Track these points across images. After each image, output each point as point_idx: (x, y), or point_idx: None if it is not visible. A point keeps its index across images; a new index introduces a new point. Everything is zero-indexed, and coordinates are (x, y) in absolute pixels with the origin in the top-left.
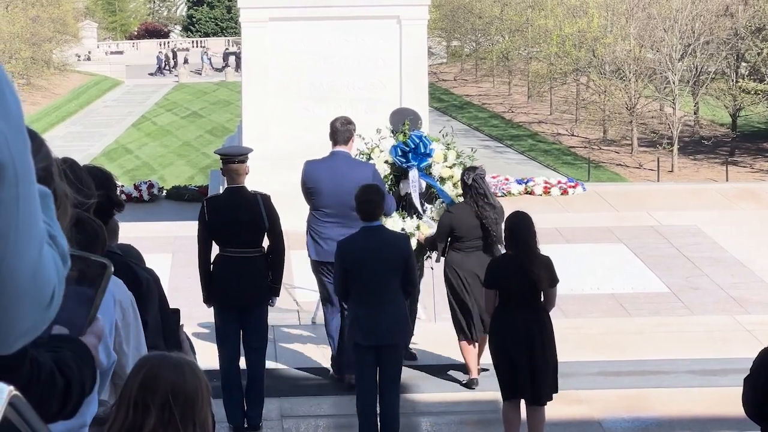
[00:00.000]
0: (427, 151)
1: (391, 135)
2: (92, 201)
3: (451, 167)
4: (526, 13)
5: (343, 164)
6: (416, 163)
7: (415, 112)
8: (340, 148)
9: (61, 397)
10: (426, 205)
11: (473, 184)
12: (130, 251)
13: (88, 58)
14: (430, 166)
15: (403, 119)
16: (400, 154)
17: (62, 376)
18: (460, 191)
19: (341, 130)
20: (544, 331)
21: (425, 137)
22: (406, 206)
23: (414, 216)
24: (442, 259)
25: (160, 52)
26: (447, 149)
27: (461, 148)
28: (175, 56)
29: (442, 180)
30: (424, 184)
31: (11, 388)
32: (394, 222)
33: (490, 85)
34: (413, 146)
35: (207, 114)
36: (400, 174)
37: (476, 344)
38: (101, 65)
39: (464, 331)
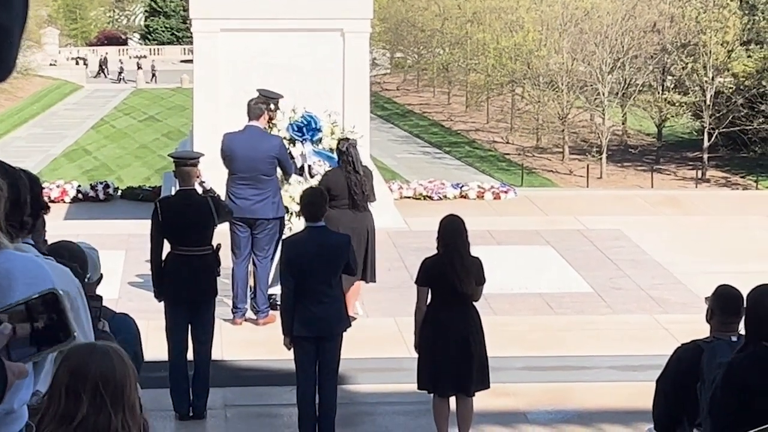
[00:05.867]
0: (318, 127)
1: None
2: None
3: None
4: (465, 27)
5: (255, 136)
6: (309, 137)
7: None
8: (252, 123)
9: None
10: (315, 170)
11: (346, 151)
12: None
13: (53, 63)
14: (320, 140)
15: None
16: (296, 129)
17: None
18: None
19: (253, 108)
20: (473, 325)
21: (314, 116)
22: (302, 173)
23: (307, 180)
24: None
25: None
26: (333, 125)
27: (347, 124)
28: None
29: (331, 150)
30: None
31: None
32: (294, 186)
33: (430, 95)
34: (306, 123)
35: (163, 118)
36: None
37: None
38: (62, 70)
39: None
